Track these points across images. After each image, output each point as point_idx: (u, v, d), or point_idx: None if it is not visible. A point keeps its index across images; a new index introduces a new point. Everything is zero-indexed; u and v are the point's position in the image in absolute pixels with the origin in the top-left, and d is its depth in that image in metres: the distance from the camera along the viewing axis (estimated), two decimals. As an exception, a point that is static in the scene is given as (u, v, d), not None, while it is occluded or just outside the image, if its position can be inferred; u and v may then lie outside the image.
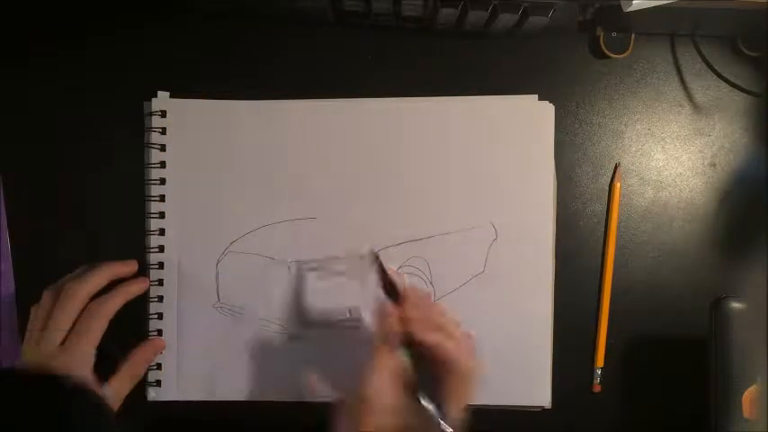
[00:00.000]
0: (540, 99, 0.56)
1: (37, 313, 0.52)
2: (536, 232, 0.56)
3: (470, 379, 0.48)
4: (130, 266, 0.55)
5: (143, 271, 0.56)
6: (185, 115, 0.56)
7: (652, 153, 0.58)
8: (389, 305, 0.48)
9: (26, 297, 0.54)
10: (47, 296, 0.52)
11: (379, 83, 0.56)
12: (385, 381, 0.46)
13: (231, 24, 0.57)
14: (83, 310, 0.51)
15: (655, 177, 0.58)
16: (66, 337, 0.50)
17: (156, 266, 0.56)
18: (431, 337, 0.46)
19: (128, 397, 0.56)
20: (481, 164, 0.56)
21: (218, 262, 0.56)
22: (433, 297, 0.56)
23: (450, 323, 0.48)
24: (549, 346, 0.56)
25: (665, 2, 0.49)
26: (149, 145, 0.56)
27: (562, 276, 0.57)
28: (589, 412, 0.57)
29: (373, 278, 0.54)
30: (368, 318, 0.54)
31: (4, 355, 0.57)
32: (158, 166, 0.56)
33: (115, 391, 0.52)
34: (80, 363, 0.50)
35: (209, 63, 0.57)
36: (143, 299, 0.56)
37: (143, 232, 0.55)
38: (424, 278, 0.56)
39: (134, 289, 0.54)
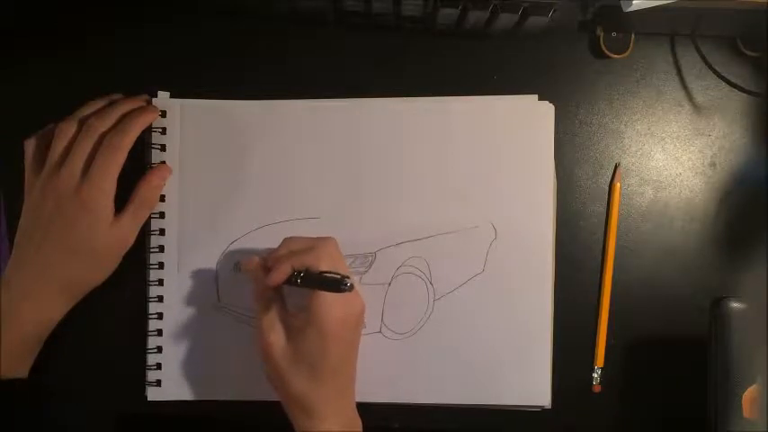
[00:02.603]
0: (540, 99, 0.56)
1: (55, 143, 0.52)
2: (536, 232, 0.56)
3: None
4: (141, 101, 0.56)
5: (143, 270, 0.56)
6: (185, 115, 0.56)
7: (652, 153, 0.58)
8: (250, 260, 0.51)
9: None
10: (64, 129, 0.53)
11: (379, 83, 0.56)
12: (274, 315, 0.50)
13: (231, 24, 0.57)
14: (100, 144, 0.52)
15: (655, 177, 0.58)
16: (87, 169, 0.52)
17: (156, 266, 0.56)
18: (304, 261, 0.49)
19: (128, 397, 0.56)
20: (481, 164, 0.56)
21: (218, 262, 0.56)
22: (432, 297, 0.56)
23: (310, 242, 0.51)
24: (549, 346, 0.56)
25: (665, 2, 0.49)
26: (149, 145, 0.56)
27: (562, 276, 0.57)
28: (589, 412, 0.57)
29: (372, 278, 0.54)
30: (368, 317, 0.54)
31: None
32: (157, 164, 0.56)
33: (131, 221, 0.53)
34: (103, 194, 0.52)
35: (209, 63, 0.57)
36: (143, 298, 0.56)
37: (143, 232, 0.55)
38: (424, 278, 0.56)
39: (146, 119, 0.54)
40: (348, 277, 0.47)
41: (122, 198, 0.53)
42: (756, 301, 0.51)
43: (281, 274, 0.49)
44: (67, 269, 0.52)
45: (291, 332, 0.50)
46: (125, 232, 0.53)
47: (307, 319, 0.48)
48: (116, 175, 0.52)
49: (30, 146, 0.54)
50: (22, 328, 0.51)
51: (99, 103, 0.55)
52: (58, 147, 0.52)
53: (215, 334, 0.56)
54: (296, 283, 0.48)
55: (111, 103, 0.55)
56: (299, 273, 0.48)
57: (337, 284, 0.46)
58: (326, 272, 0.48)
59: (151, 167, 0.55)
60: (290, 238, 0.51)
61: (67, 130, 0.53)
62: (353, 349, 0.51)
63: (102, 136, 0.52)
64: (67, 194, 0.51)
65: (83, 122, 0.53)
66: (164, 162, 0.56)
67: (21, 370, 0.52)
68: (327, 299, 0.48)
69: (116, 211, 0.53)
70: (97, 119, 0.53)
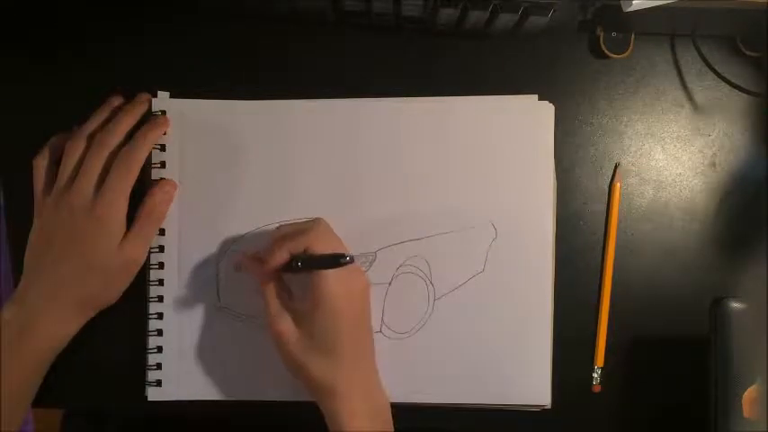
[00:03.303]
0: (540, 99, 0.56)
1: (66, 160, 0.52)
2: (536, 232, 0.56)
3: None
4: (142, 104, 0.55)
5: (143, 271, 0.56)
6: (185, 115, 0.56)
7: (652, 153, 0.58)
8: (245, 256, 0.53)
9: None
10: (74, 146, 0.53)
11: (379, 83, 0.56)
12: (280, 304, 0.51)
13: (231, 24, 0.57)
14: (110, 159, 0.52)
15: (655, 177, 0.58)
16: (98, 186, 0.52)
17: (156, 266, 0.56)
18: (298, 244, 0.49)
19: (128, 397, 0.56)
20: (481, 164, 0.56)
21: (218, 262, 0.56)
22: (433, 296, 0.56)
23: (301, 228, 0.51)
24: (549, 346, 0.56)
25: (665, 2, 0.49)
26: (149, 145, 0.56)
27: (562, 276, 0.57)
28: (589, 412, 0.57)
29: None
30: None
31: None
32: (159, 166, 0.56)
33: (137, 237, 0.53)
34: (117, 210, 0.52)
35: (209, 63, 0.57)
36: (143, 299, 0.56)
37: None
38: (424, 277, 0.56)
39: (157, 133, 0.54)
40: (343, 253, 0.48)
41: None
42: (756, 301, 0.51)
43: (276, 258, 0.49)
44: (83, 286, 0.52)
45: (300, 318, 0.50)
46: (133, 250, 0.53)
47: (312, 302, 0.49)
48: (129, 192, 0.52)
49: (39, 165, 0.54)
50: (37, 344, 0.52)
51: (104, 114, 0.55)
52: (69, 164, 0.52)
53: (215, 334, 0.56)
54: (296, 268, 0.49)
55: (116, 111, 0.55)
56: (297, 256, 0.49)
57: (336, 259, 0.47)
58: (326, 253, 0.49)
59: (154, 181, 0.55)
60: (281, 225, 0.53)
61: (77, 147, 0.53)
62: (364, 324, 0.52)
63: (113, 152, 0.52)
64: (81, 211, 0.51)
65: (91, 137, 0.53)
66: (164, 163, 0.56)
67: (30, 392, 0.53)
68: (329, 279, 0.48)
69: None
70: (105, 134, 0.53)
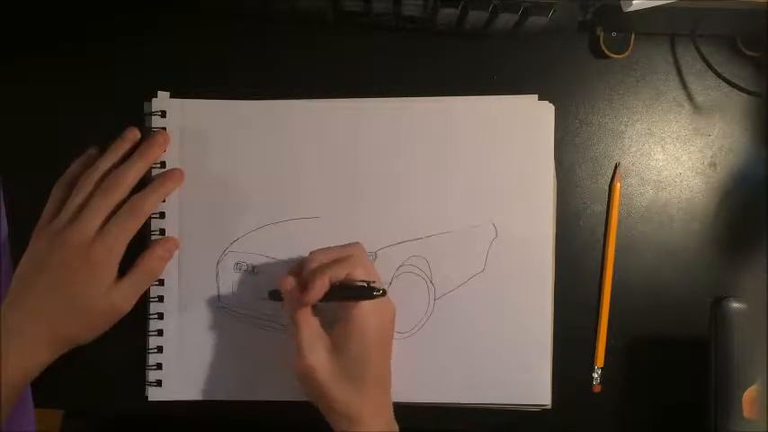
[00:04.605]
0: (540, 99, 0.56)
1: (75, 195, 0.52)
2: (536, 232, 0.56)
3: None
4: (160, 146, 0.54)
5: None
6: (185, 115, 0.56)
7: (652, 153, 0.58)
8: (288, 278, 0.50)
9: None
10: (87, 182, 0.52)
11: (379, 83, 0.56)
12: (312, 335, 0.49)
13: (231, 24, 0.57)
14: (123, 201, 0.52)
15: (655, 177, 0.58)
16: (101, 227, 0.51)
17: (157, 266, 0.56)
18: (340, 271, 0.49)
19: (128, 397, 0.56)
20: (481, 164, 0.56)
21: (219, 262, 0.56)
22: (433, 296, 0.56)
23: (350, 252, 0.50)
24: (549, 346, 0.56)
25: (665, 2, 0.49)
26: (149, 145, 0.56)
27: (562, 276, 0.57)
28: (589, 412, 0.57)
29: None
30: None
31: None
32: (158, 166, 0.56)
33: (130, 289, 0.53)
34: (112, 255, 0.51)
35: (210, 63, 0.57)
36: (143, 299, 0.56)
37: (143, 232, 0.55)
38: (425, 277, 0.56)
39: (171, 185, 0.54)
40: (375, 282, 0.48)
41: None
42: (756, 301, 0.51)
43: (319, 290, 0.48)
44: (61, 323, 0.51)
45: (331, 348, 0.49)
46: (121, 299, 0.53)
47: (345, 331, 0.49)
48: (129, 239, 0.52)
49: (57, 191, 0.54)
50: (7, 372, 0.50)
51: (119, 150, 0.54)
52: (75, 202, 0.52)
53: (215, 334, 0.56)
54: (333, 298, 0.49)
55: (134, 159, 0.53)
56: (334, 286, 0.49)
57: (370, 291, 0.48)
58: (360, 281, 0.49)
59: (155, 241, 0.55)
60: (317, 251, 0.51)
61: (89, 182, 0.52)
62: (388, 352, 0.52)
63: (126, 193, 0.52)
64: (77, 250, 0.51)
65: (105, 176, 0.53)
66: (164, 163, 0.56)
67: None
68: (364, 308, 0.48)
69: (118, 276, 0.52)
70: (114, 180, 0.52)
